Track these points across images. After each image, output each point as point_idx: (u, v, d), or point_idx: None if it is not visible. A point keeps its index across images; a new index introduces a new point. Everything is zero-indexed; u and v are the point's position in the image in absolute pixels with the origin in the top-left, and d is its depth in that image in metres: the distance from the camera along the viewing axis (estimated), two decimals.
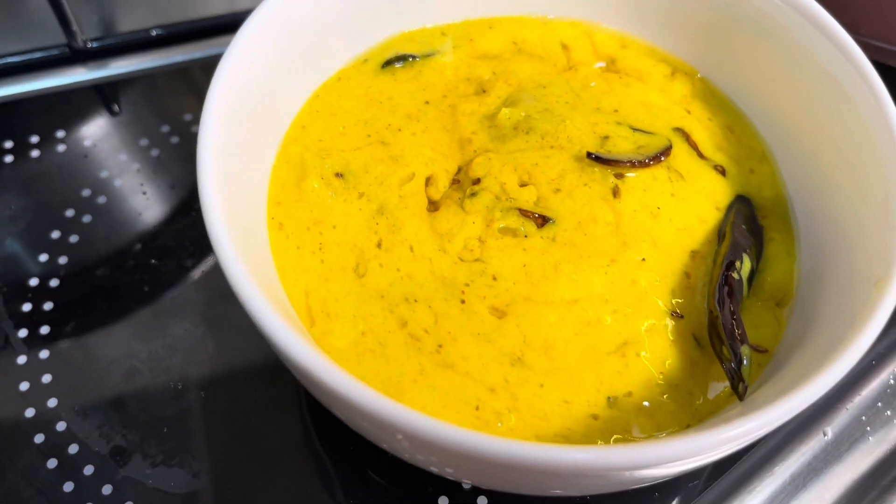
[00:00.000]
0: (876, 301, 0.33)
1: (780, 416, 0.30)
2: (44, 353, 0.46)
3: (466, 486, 0.42)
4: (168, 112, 0.56)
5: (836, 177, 0.39)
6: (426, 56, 0.46)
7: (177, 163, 0.54)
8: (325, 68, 0.45)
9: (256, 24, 0.40)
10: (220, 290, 0.48)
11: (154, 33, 0.59)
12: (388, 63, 0.46)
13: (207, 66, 0.59)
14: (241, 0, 0.61)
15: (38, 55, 0.58)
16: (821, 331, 0.35)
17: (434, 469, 0.35)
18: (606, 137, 0.40)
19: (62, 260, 0.49)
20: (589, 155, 0.38)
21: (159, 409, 0.44)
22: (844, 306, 0.35)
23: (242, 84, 0.39)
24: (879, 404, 0.45)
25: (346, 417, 0.34)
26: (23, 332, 0.47)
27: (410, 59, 0.46)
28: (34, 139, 0.54)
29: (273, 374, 0.45)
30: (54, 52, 0.58)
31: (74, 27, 0.57)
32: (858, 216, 0.37)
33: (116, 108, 0.56)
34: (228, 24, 0.60)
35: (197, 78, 0.59)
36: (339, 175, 0.40)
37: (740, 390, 0.34)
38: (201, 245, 0.50)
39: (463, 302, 0.36)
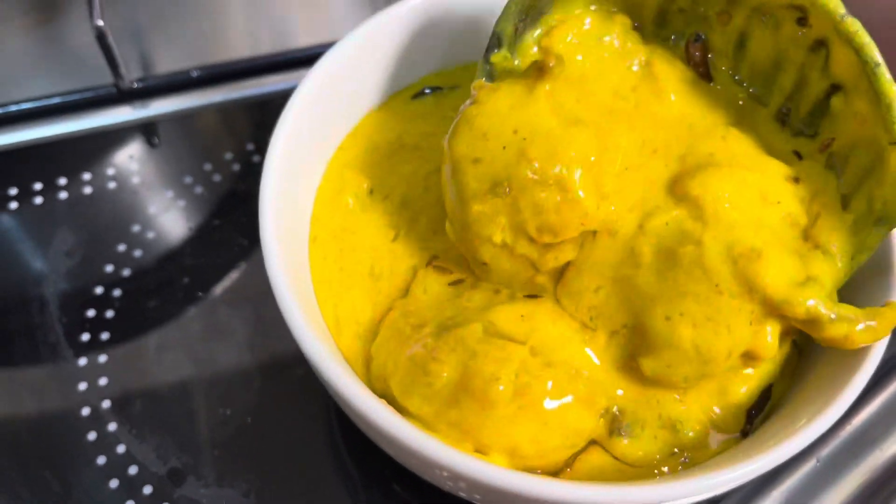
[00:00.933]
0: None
1: (782, 456, 0.34)
2: (103, 381, 0.50)
3: None
4: (209, 150, 0.60)
5: None
6: (451, 88, 0.50)
7: (219, 199, 0.58)
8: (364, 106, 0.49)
9: (313, 82, 0.44)
10: (263, 321, 0.52)
11: (194, 74, 0.63)
12: (418, 95, 0.50)
13: (244, 107, 0.63)
14: (265, 44, 0.65)
15: (87, 95, 0.62)
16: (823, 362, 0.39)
17: (463, 496, 0.39)
18: None
19: (116, 292, 0.54)
20: None
21: (210, 434, 0.49)
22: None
23: (298, 134, 0.43)
24: (870, 432, 0.49)
25: (390, 452, 0.38)
26: (82, 361, 0.51)
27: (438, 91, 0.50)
28: (86, 176, 0.58)
29: (309, 401, 0.50)
30: (102, 91, 0.62)
31: (122, 69, 0.61)
32: None
33: (159, 146, 0.60)
34: (263, 67, 0.64)
35: (234, 117, 0.63)
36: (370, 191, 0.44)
37: None
38: (243, 277, 0.54)
39: None
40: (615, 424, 0.38)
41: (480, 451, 0.36)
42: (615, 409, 0.38)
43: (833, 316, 0.35)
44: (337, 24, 0.69)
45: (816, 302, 0.35)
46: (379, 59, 0.47)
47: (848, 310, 0.36)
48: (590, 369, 0.38)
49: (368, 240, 0.43)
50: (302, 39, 0.66)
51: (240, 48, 0.65)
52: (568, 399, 0.37)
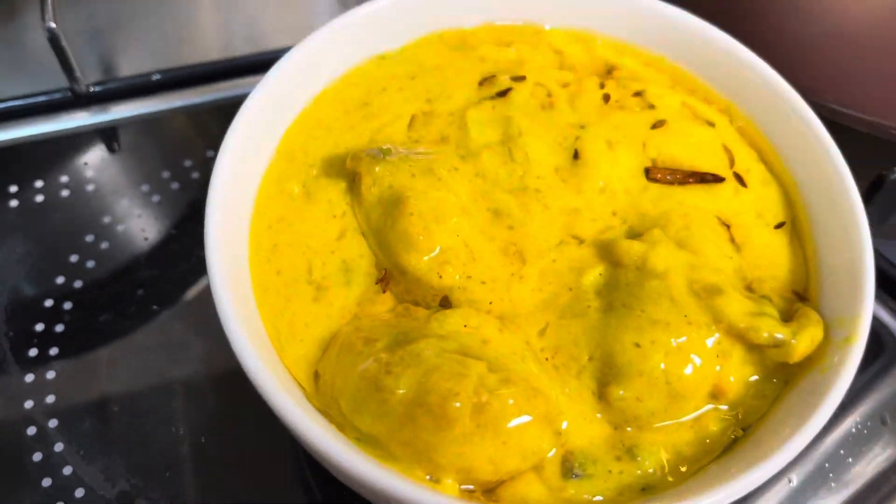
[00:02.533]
0: (845, 363, 0.36)
1: (756, 481, 0.33)
2: (50, 398, 0.48)
3: None
4: (168, 157, 0.58)
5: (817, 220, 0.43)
6: None
7: (177, 209, 0.56)
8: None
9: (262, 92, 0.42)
10: (220, 338, 0.50)
11: (154, 78, 0.61)
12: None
13: (206, 112, 0.61)
14: (238, 47, 0.64)
15: (40, 99, 0.60)
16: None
17: None
18: None
19: (67, 305, 0.51)
20: None
21: (161, 454, 0.46)
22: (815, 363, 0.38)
23: (247, 140, 0.41)
24: (842, 451, 0.48)
25: (343, 481, 0.37)
26: (29, 377, 0.49)
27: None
28: (38, 184, 0.56)
29: (271, 420, 0.48)
30: (57, 95, 0.60)
31: (77, 72, 0.58)
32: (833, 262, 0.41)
33: (118, 152, 0.58)
34: (226, 70, 0.62)
35: (196, 123, 0.61)
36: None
37: None
38: (201, 292, 0.52)
39: None
40: (565, 465, 0.36)
41: (433, 474, 0.34)
42: (565, 449, 0.36)
43: (793, 340, 0.37)
44: (302, 27, 0.67)
45: (773, 328, 0.37)
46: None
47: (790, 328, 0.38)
48: (547, 389, 0.37)
49: (306, 235, 0.41)
50: (267, 43, 0.64)
51: (203, 51, 0.63)
52: (527, 418, 0.35)
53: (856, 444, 0.48)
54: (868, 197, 0.51)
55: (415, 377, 0.34)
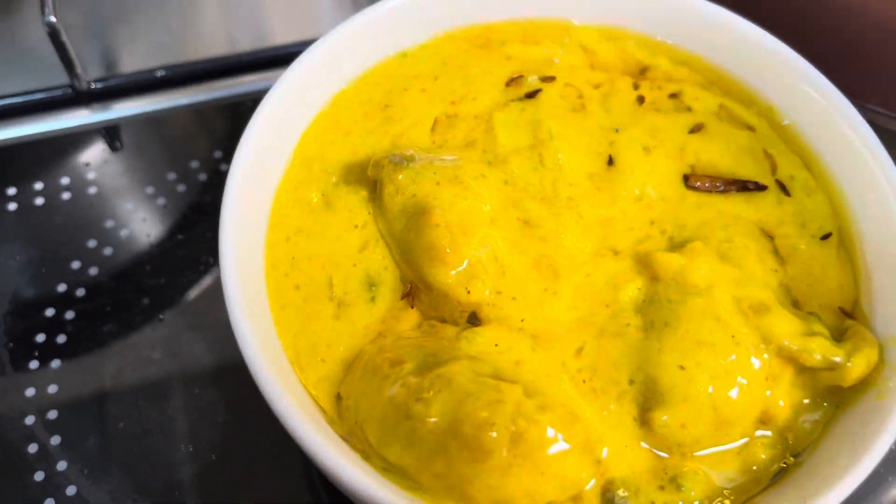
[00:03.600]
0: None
1: None
2: (52, 414, 0.46)
3: None
4: (173, 158, 0.56)
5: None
6: None
7: (183, 212, 0.53)
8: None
9: (281, 89, 0.40)
10: (232, 350, 0.48)
11: (158, 74, 0.58)
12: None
13: (213, 109, 0.58)
14: (244, 42, 0.61)
15: (39, 96, 0.57)
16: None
17: None
18: None
19: (69, 315, 0.49)
20: None
21: (170, 474, 0.44)
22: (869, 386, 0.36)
23: (263, 145, 0.39)
24: (882, 470, 0.46)
25: None
26: (30, 392, 0.46)
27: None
28: (38, 185, 0.54)
29: (285, 439, 0.45)
30: (57, 92, 0.57)
31: (78, 69, 0.56)
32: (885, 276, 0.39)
33: (120, 152, 0.56)
34: (233, 66, 0.59)
35: (202, 121, 0.58)
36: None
37: None
38: (211, 300, 0.50)
39: None
40: (606, 496, 0.34)
41: None
42: (605, 479, 0.34)
43: (848, 363, 0.35)
44: (310, 22, 0.64)
45: (827, 350, 0.35)
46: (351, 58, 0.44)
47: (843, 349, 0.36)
48: (585, 414, 0.34)
49: (327, 247, 0.39)
50: (275, 38, 0.61)
51: (209, 46, 0.60)
52: (565, 446, 0.33)
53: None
54: None
55: (448, 404, 0.32)
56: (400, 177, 0.38)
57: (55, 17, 0.52)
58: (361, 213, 0.39)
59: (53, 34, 0.53)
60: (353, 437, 0.34)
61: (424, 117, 0.43)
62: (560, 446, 0.33)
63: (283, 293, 0.37)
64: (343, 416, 0.35)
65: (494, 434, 0.31)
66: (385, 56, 0.45)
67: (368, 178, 0.39)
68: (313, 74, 0.42)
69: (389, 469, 0.33)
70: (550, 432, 0.32)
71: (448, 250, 0.37)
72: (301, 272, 0.38)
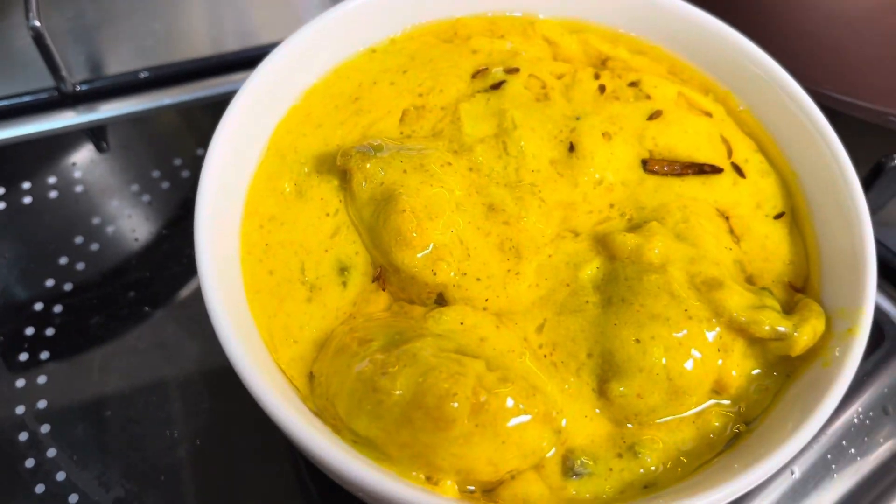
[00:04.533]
0: (848, 355, 0.35)
1: (759, 478, 0.32)
2: (41, 403, 0.47)
3: None
4: (157, 156, 0.57)
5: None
6: None
7: (167, 208, 0.55)
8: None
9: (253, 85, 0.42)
10: (214, 339, 0.49)
11: (142, 76, 0.60)
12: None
13: (196, 109, 0.60)
14: (227, 43, 0.63)
15: (26, 98, 0.59)
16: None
17: None
18: None
19: (57, 308, 0.51)
20: None
21: (156, 458, 0.46)
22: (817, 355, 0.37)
23: (237, 136, 0.41)
24: (844, 442, 0.47)
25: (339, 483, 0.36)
26: (20, 382, 0.48)
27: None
28: (26, 185, 0.55)
29: (267, 421, 0.47)
30: (43, 95, 0.59)
31: (63, 71, 0.57)
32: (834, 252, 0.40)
33: (107, 151, 0.57)
34: (216, 67, 0.61)
35: (185, 120, 0.60)
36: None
37: None
38: (194, 293, 0.51)
39: None
40: (566, 464, 0.35)
41: (432, 475, 0.34)
42: (565, 447, 0.36)
43: (795, 333, 0.37)
44: (293, 21, 0.66)
45: (776, 321, 0.37)
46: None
47: (791, 321, 0.37)
48: (546, 387, 0.36)
49: (299, 234, 0.40)
50: (257, 38, 0.63)
51: (191, 48, 0.62)
52: (526, 417, 0.34)
53: (858, 435, 0.48)
54: (867, 184, 0.50)
55: (412, 378, 0.34)
56: (368, 165, 0.40)
57: (39, 21, 0.54)
58: (332, 202, 0.41)
59: (38, 38, 0.55)
60: (325, 413, 0.36)
61: (393, 109, 0.44)
62: (521, 417, 0.34)
63: (257, 278, 0.39)
64: (315, 392, 0.36)
65: (456, 404, 0.33)
66: (355, 51, 0.47)
67: (338, 168, 0.41)
68: (285, 69, 0.44)
69: (359, 441, 0.34)
70: (511, 403, 0.34)
71: (414, 234, 0.38)
72: (274, 258, 0.40)
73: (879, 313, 0.52)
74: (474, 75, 0.46)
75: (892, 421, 0.48)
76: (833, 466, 0.47)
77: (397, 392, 0.34)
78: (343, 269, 0.40)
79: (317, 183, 0.42)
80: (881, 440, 0.47)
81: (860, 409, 0.48)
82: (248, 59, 0.61)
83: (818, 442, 0.47)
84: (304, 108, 0.44)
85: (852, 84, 0.48)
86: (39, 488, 0.45)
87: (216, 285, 0.36)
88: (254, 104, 0.42)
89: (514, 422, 0.34)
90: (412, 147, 0.42)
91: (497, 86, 0.45)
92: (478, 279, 0.39)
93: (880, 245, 0.52)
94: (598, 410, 0.36)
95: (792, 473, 0.46)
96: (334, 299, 0.39)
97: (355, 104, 0.45)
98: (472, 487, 0.35)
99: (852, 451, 0.47)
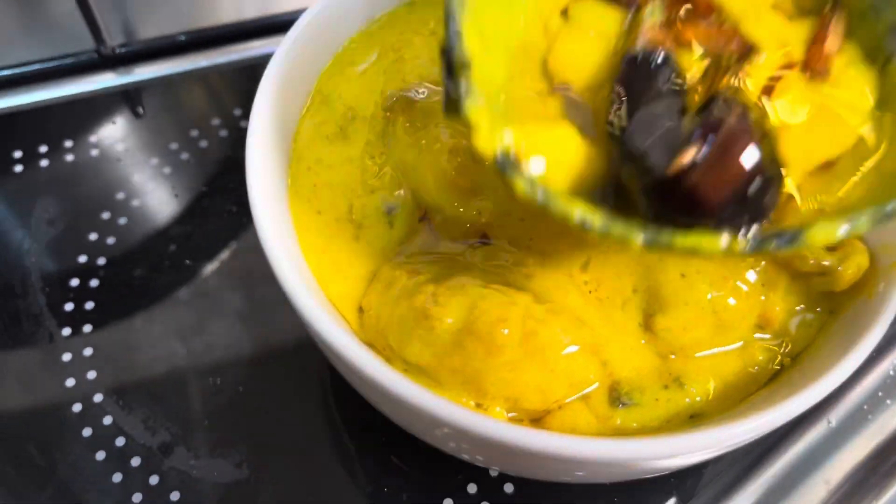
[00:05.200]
0: (891, 288, 0.36)
1: (799, 408, 0.32)
2: (87, 351, 0.48)
3: (493, 474, 0.44)
4: (195, 116, 0.58)
5: None
6: None
7: (206, 166, 0.56)
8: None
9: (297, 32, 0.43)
10: (254, 289, 0.51)
11: (180, 39, 0.61)
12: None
13: (233, 71, 0.61)
14: (250, 8, 0.63)
15: (67, 61, 0.60)
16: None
17: (465, 457, 0.37)
18: None
19: (101, 261, 0.52)
20: None
21: (200, 404, 0.47)
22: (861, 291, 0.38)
23: (282, 92, 0.41)
24: (880, 393, 0.48)
25: (386, 411, 0.37)
26: (66, 331, 0.49)
27: None
28: (68, 143, 0.56)
29: (302, 369, 0.48)
30: (83, 57, 0.60)
31: (104, 34, 0.58)
32: None
33: (145, 112, 0.58)
34: (251, 30, 0.62)
35: (221, 83, 0.61)
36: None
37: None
38: (233, 245, 0.52)
39: None
40: (613, 395, 0.36)
41: (481, 402, 0.34)
42: (612, 379, 0.36)
43: (839, 267, 0.37)
44: None
45: (820, 255, 0.37)
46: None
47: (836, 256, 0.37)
48: (592, 321, 0.37)
49: (345, 175, 0.41)
50: (288, 3, 0.64)
51: (226, 12, 0.63)
52: (574, 348, 0.35)
53: (894, 386, 0.48)
54: None
55: (463, 305, 0.34)
56: (413, 110, 0.41)
57: None
58: (378, 145, 0.42)
59: (82, 2, 0.56)
60: (377, 344, 0.36)
61: (434, 58, 0.45)
62: (569, 348, 0.35)
63: (306, 218, 0.40)
64: (365, 325, 0.37)
65: (506, 331, 0.33)
66: (395, 4, 0.47)
67: (383, 111, 0.42)
68: (327, 19, 0.44)
69: (410, 369, 0.35)
70: (559, 333, 0.35)
71: (457, 174, 0.39)
72: (322, 199, 0.40)
73: None
74: None
75: None
76: (869, 417, 0.47)
77: (448, 319, 0.34)
78: (388, 210, 0.40)
79: (361, 127, 0.42)
80: None
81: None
82: (285, 23, 0.62)
83: (854, 392, 0.47)
84: (348, 56, 0.45)
85: None
86: (87, 431, 0.46)
87: (269, 224, 0.36)
88: (299, 52, 0.43)
89: (562, 352, 0.35)
90: None
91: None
92: (521, 219, 0.39)
93: None
94: (643, 342, 0.37)
95: (829, 423, 0.46)
96: (381, 238, 0.40)
97: (396, 53, 0.45)
98: (518, 415, 0.35)
99: (888, 401, 0.47)
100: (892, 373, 0.48)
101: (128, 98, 0.59)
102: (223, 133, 0.57)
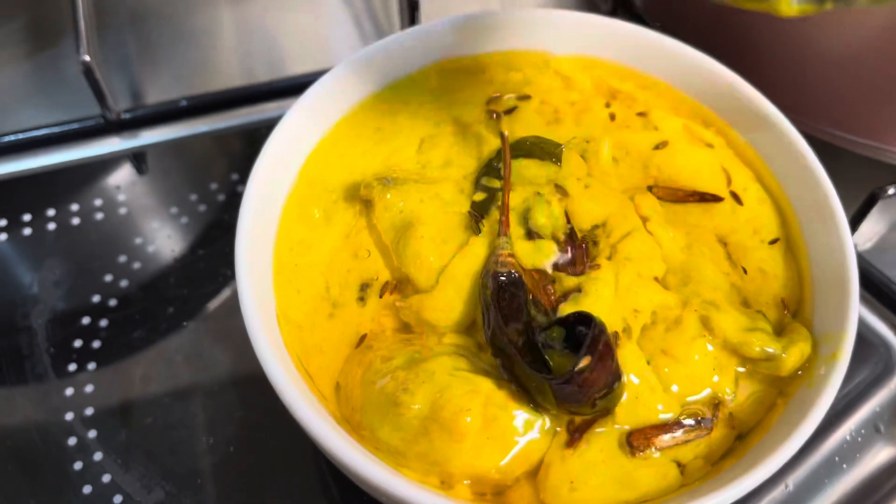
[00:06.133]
0: (830, 378, 0.38)
1: (745, 489, 0.35)
2: (89, 411, 0.51)
3: None
4: (195, 180, 0.61)
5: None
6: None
7: (204, 229, 0.59)
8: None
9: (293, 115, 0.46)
10: (246, 352, 0.53)
11: (182, 104, 0.64)
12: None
13: (230, 136, 0.64)
14: (259, 73, 0.67)
15: (74, 126, 0.63)
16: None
17: None
18: None
19: (103, 323, 0.55)
20: None
21: (193, 463, 0.50)
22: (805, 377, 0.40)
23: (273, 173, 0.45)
24: (837, 458, 0.50)
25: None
26: (69, 391, 0.52)
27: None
28: (74, 207, 0.60)
29: (294, 430, 0.50)
30: (89, 122, 0.63)
31: (109, 100, 0.62)
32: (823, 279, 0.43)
33: (147, 176, 0.62)
34: (249, 96, 0.65)
35: (220, 147, 0.64)
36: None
37: None
38: (227, 308, 0.55)
39: None
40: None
41: (447, 482, 0.37)
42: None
43: (784, 354, 0.40)
44: (321, 53, 0.70)
45: (765, 343, 0.40)
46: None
47: (780, 343, 0.40)
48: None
49: (325, 255, 0.44)
50: (288, 69, 0.67)
51: (227, 78, 0.66)
52: (533, 432, 0.38)
53: (850, 452, 0.50)
54: (862, 213, 0.53)
55: (430, 394, 0.37)
56: (388, 196, 0.44)
57: (89, 55, 0.58)
58: (356, 226, 0.45)
59: (88, 72, 0.59)
60: (352, 420, 0.39)
61: (411, 138, 0.48)
62: (529, 433, 0.38)
63: (287, 295, 0.43)
64: (341, 402, 0.40)
65: (469, 419, 0.36)
66: (382, 85, 0.50)
67: (361, 198, 0.45)
68: (318, 105, 0.47)
69: (380, 448, 0.38)
70: (518, 418, 0.37)
71: (431, 259, 0.42)
72: (302, 278, 0.43)
73: (874, 335, 0.54)
74: (488, 102, 0.50)
75: (884, 438, 0.50)
76: (826, 481, 0.49)
77: (416, 406, 0.37)
78: (363, 289, 0.43)
79: (342, 209, 0.45)
80: (872, 457, 0.50)
81: (853, 427, 0.51)
82: (279, 90, 0.65)
83: (812, 458, 0.50)
84: (332, 140, 0.48)
85: (846, 120, 0.51)
86: (87, 489, 0.49)
87: (253, 303, 0.39)
88: (289, 137, 0.46)
89: (521, 435, 0.37)
90: (429, 177, 0.45)
91: (510, 111, 0.49)
92: None
93: (877, 271, 0.55)
94: (602, 429, 0.39)
95: (787, 487, 0.49)
96: (356, 316, 0.42)
97: (377, 134, 0.48)
98: (483, 490, 0.38)
99: (844, 466, 0.50)
100: (848, 438, 0.51)
101: (131, 162, 0.62)
102: (220, 197, 0.61)
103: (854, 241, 0.53)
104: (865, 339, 0.54)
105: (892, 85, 0.48)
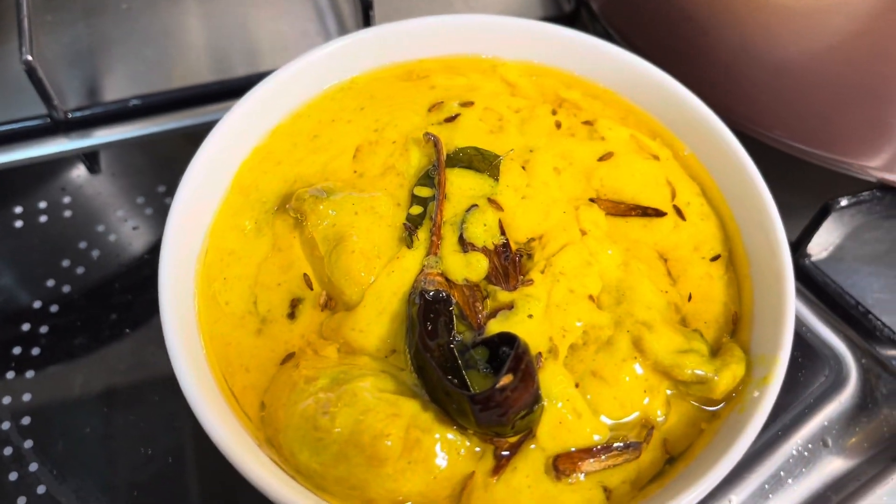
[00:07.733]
0: (761, 402, 0.38)
1: None
2: (26, 420, 0.50)
3: None
4: (143, 183, 0.60)
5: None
6: None
7: (150, 234, 0.58)
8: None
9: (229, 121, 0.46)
10: None
11: (132, 104, 0.63)
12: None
13: (182, 136, 0.63)
14: (209, 73, 0.65)
15: (18, 125, 0.62)
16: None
17: None
18: None
19: (43, 329, 0.54)
20: None
21: (131, 474, 0.49)
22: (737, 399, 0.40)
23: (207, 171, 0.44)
24: (782, 473, 0.49)
25: None
26: (6, 399, 0.51)
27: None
28: (17, 209, 0.59)
29: None
30: (35, 122, 0.62)
31: (55, 100, 0.60)
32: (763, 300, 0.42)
33: (93, 178, 0.61)
34: (200, 96, 0.64)
35: (169, 148, 0.63)
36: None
37: None
38: None
39: None
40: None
41: None
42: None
43: (716, 377, 0.39)
44: (271, 54, 0.69)
45: (697, 366, 0.39)
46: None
47: (713, 365, 0.40)
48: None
49: (255, 268, 0.43)
50: (237, 70, 0.66)
51: (178, 78, 0.65)
52: (458, 455, 0.37)
53: (796, 466, 0.49)
54: (815, 224, 0.52)
55: (351, 417, 0.36)
56: (321, 207, 0.43)
57: (31, 55, 0.57)
58: (287, 238, 0.44)
59: (31, 72, 0.58)
60: (275, 442, 0.38)
61: (348, 146, 0.47)
62: (450, 455, 0.37)
63: (214, 308, 0.42)
64: (265, 421, 0.39)
65: (389, 443, 0.35)
66: (318, 92, 0.49)
67: (293, 210, 0.44)
68: (255, 111, 0.46)
69: (301, 472, 0.37)
70: (441, 441, 0.37)
71: (363, 273, 0.41)
72: (231, 290, 0.42)
73: (825, 347, 0.53)
74: (430, 109, 0.49)
75: (831, 453, 0.50)
76: (770, 496, 0.49)
77: (336, 430, 0.36)
78: (293, 303, 0.42)
79: (275, 220, 0.44)
80: (818, 472, 0.49)
81: (800, 441, 0.50)
82: (228, 90, 0.64)
83: (756, 472, 0.49)
84: (266, 147, 0.47)
85: (800, 130, 0.50)
86: (21, 500, 0.48)
87: (174, 318, 0.39)
88: (221, 146, 0.45)
89: (444, 458, 0.37)
90: (363, 189, 0.44)
91: (452, 118, 0.48)
92: None
93: (830, 281, 0.54)
94: (533, 447, 0.38)
95: (729, 502, 0.48)
96: (284, 332, 0.42)
97: (313, 142, 0.47)
98: None
99: (790, 481, 0.49)
100: (794, 453, 0.50)
101: (78, 163, 0.61)
102: (168, 200, 0.59)
103: (808, 251, 0.52)
104: (817, 351, 0.53)
105: (844, 96, 0.47)
